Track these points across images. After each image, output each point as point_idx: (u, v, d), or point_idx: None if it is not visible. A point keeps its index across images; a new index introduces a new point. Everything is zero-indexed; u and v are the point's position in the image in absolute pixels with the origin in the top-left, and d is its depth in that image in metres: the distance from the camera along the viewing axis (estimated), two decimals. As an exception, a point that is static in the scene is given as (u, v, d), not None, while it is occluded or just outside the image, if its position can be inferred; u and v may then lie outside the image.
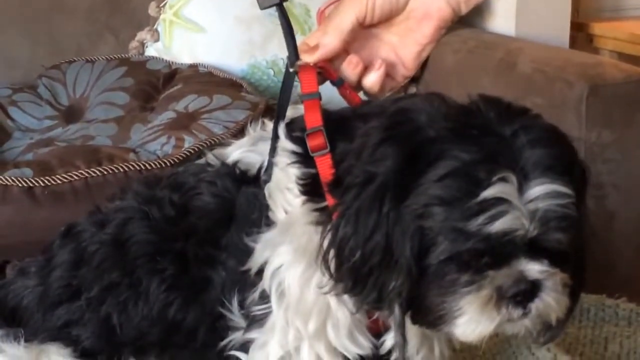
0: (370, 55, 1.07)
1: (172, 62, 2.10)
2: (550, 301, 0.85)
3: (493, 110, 0.85)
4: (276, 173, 0.94)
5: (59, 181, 1.59)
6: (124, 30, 2.18)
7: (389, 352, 0.93)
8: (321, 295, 0.89)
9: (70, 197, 1.58)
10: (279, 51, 2.03)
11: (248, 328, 0.93)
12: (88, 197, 1.55)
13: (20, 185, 1.57)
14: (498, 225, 0.80)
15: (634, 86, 1.53)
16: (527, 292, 0.84)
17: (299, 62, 1.01)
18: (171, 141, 1.71)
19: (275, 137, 0.96)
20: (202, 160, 1.01)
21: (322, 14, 1.14)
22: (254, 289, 0.92)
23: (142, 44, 2.17)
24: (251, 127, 1.02)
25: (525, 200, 0.81)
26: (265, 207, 0.93)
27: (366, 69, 1.05)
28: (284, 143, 0.95)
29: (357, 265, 0.84)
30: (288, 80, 1.01)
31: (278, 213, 0.92)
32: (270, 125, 0.99)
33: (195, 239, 0.95)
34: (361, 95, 1.06)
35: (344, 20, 1.06)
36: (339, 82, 1.04)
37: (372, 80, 1.05)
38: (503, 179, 0.81)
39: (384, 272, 0.84)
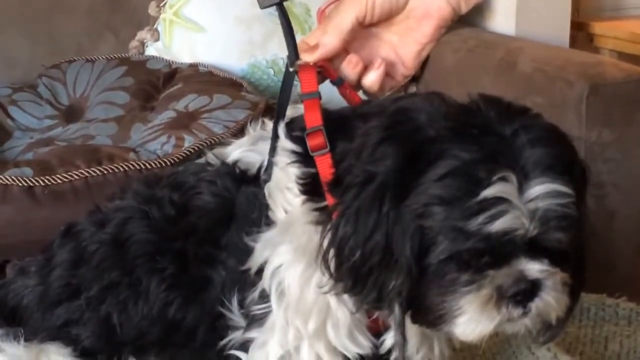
0: (370, 54, 1.07)
1: (172, 62, 2.10)
2: (550, 300, 0.85)
3: (493, 110, 0.85)
4: (276, 172, 0.94)
5: (59, 180, 1.59)
6: (124, 30, 2.18)
7: (389, 351, 0.93)
8: (321, 294, 0.89)
9: (70, 197, 1.58)
10: (279, 51, 2.03)
11: (248, 327, 0.93)
12: (88, 196, 1.55)
13: (20, 184, 1.57)
14: (498, 225, 0.80)
15: (634, 85, 1.53)
16: (527, 291, 0.84)
17: (298, 62, 1.01)
18: (171, 140, 1.71)
19: (275, 137, 0.96)
20: (202, 160, 1.01)
21: (323, 13, 1.14)
22: (253, 289, 0.92)
23: (142, 44, 2.17)
24: (251, 127, 1.02)
25: (526, 200, 0.81)
26: (265, 207, 0.93)
27: (366, 68, 1.05)
28: (284, 142, 0.95)
29: (357, 264, 0.84)
30: (288, 79, 1.01)
31: (278, 212, 0.92)
32: (270, 124, 0.99)
33: (195, 238, 0.95)
34: (361, 94, 1.06)
35: (344, 20, 1.06)
36: (339, 82, 1.04)
37: (371, 79, 1.05)
38: (503, 179, 0.81)
39: (384, 271, 0.84)
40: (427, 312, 0.86)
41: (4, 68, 2.13)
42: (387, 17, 1.07)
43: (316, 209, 0.90)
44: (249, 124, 1.03)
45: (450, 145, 0.82)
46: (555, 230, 0.83)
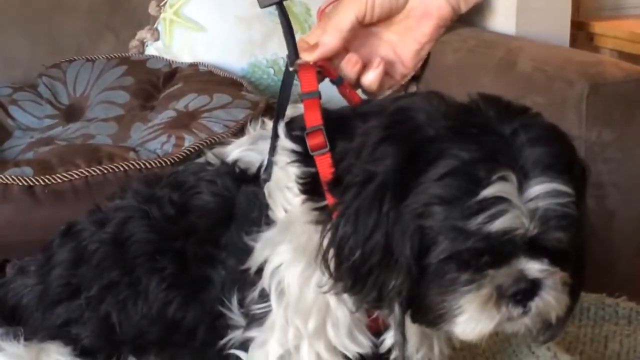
0: (369, 53, 1.07)
1: (173, 61, 2.10)
2: (550, 300, 0.85)
3: (493, 109, 0.85)
4: (276, 172, 0.94)
5: (59, 180, 1.59)
6: (124, 29, 2.18)
7: (389, 350, 0.93)
8: (321, 294, 0.89)
9: (70, 196, 1.58)
10: (279, 50, 2.03)
11: (248, 327, 0.93)
12: (88, 196, 1.55)
13: (20, 184, 1.57)
14: (498, 224, 0.80)
15: (634, 85, 1.53)
16: (527, 290, 0.84)
17: (298, 61, 1.01)
18: (171, 140, 1.71)
19: (275, 136, 0.96)
20: (201, 159, 1.01)
21: (323, 12, 1.14)
22: (253, 288, 0.92)
23: (143, 43, 2.17)
24: (251, 126, 1.02)
25: (525, 199, 0.81)
26: (265, 206, 0.93)
27: (365, 67, 1.06)
28: (284, 142, 0.95)
29: (356, 264, 0.84)
30: (288, 79, 1.01)
31: (278, 212, 0.92)
32: (270, 124, 0.99)
33: (195, 238, 0.95)
34: (360, 93, 1.07)
35: (344, 19, 1.06)
36: (339, 81, 1.04)
37: (370, 78, 1.05)
38: (503, 178, 0.81)
39: (383, 271, 0.84)
40: (427, 312, 0.86)
41: (4, 68, 2.13)
42: (387, 17, 1.07)
43: (316, 209, 0.90)
44: (249, 123, 1.03)
45: (450, 145, 0.82)
46: (555, 229, 0.83)
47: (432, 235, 0.82)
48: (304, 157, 0.92)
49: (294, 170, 0.92)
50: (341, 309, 0.90)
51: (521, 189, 0.81)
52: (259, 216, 0.93)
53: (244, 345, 0.93)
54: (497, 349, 1.19)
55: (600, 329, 1.29)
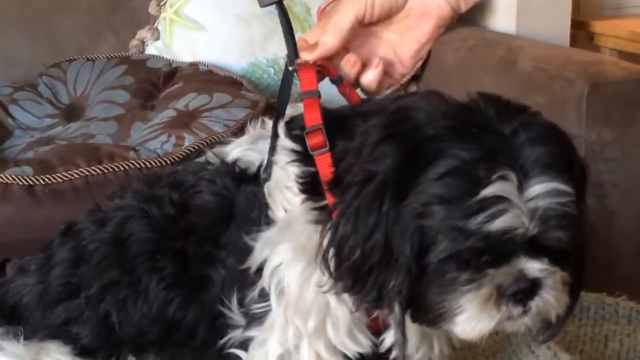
0: (369, 53, 1.08)
1: (173, 61, 2.10)
2: (550, 299, 0.85)
3: (492, 108, 0.85)
4: (276, 171, 0.94)
5: (59, 179, 1.59)
6: (124, 29, 2.18)
7: (389, 350, 0.93)
8: (320, 293, 0.89)
9: (70, 196, 1.58)
10: (279, 49, 2.03)
11: (247, 326, 0.93)
12: (88, 195, 1.55)
13: (20, 183, 1.57)
14: (498, 224, 0.80)
15: (635, 84, 1.53)
16: (527, 290, 0.84)
17: (298, 60, 1.01)
18: (171, 139, 1.71)
19: (274, 136, 0.96)
20: (201, 159, 1.01)
21: (323, 12, 1.14)
22: (253, 287, 0.92)
23: (143, 43, 2.17)
24: (251, 126, 1.02)
25: (525, 199, 0.81)
26: (265, 206, 0.93)
27: (364, 67, 1.06)
28: (284, 141, 0.95)
29: (356, 264, 0.84)
30: (287, 78, 1.01)
31: (277, 212, 0.92)
32: (270, 123, 0.99)
33: (194, 237, 0.95)
34: (360, 93, 1.07)
35: (344, 19, 1.06)
36: (338, 80, 1.05)
37: (369, 78, 1.06)
38: (503, 177, 0.81)
39: (383, 270, 0.84)
40: (427, 311, 0.86)
41: (5, 67, 2.13)
42: (387, 16, 1.08)
43: (316, 208, 0.90)
44: (248, 122, 1.03)
45: (450, 144, 0.82)
46: (555, 229, 0.83)
47: (432, 234, 0.82)
48: (304, 157, 0.92)
49: (294, 169, 0.92)
50: (341, 309, 0.90)
51: (521, 188, 0.81)
52: (259, 216, 0.93)
53: (244, 345, 0.93)
54: (497, 348, 1.19)
55: (600, 328, 1.29)
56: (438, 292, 0.84)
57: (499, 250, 0.83)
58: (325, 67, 1.04)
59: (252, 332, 0.93)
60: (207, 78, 1.98)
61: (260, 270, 0.91)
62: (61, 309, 0.99)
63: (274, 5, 1.04)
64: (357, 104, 1.01)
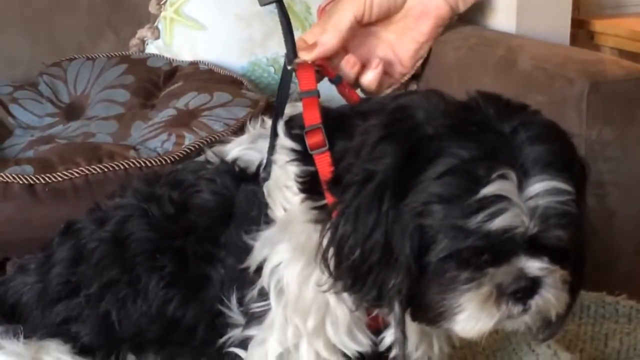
0: (368, 53, 1.08)
1: (173, 60, 2.10)
2: (550, 298, 0.85)
3: (492, 107, 0.85)
4: (275, 171, 0.94)
5: (59, 178, 1.59)
6: (125, 28, 2.18)
7: (388, 348, 0.93)
8: (320, 292, 0.89)
9: (70, 194, 1.58)
10: (280, 49, 2.01)
11: (247, 325, 0.93)
12: (88, 194, 1.55)
13: (21, 182, 1.57)
14: (498, 223, 0.80)
15: (635, 83, 1.53)
16: (527, 289, 0.84)
17: (297, 60, 1.01)
18: (171, 138, 1.70)
19: (274, 135, 0.96)
20: (201, 158, 1.01)
21: (323, 11, 1.14)
22: (252, 287, 0.92)
23: (143, 42, 2.17)
24: (251, 125, 1.02)
25: (525, 198, 0.81)
26: (264, 205, 0.93)
27: (364, 67, 1.06)
28: (283, 141, 0.95)
29: (356, 263, 0.84)
30: (286, 77, 1.01)
31: (277, 211, 0.92)
32: (269, 122, 0.99)
33: (194, 236, 0.95)
34: (359, 93, 1.07)
35: (343, 19, 1.06)
36: (337, 80, 1.05)
37: (369, 78, 1.06)
38: (502, 176, 0.81)
39: (383, 270, 0.84)
40: (427, 310, 0.86)
41: (5, 67, 2.13)
42: (386, 16, 1.08)
43: (315, 208, 0.90)
44: (248, 121, 1.03)
45: (449, 143, 0.82)
46: (555, 227, 0.83)
47: (431, 233, 0.82)
48: (303, 156, 0.92)
49: (293, 169, 0.92)
50: (340, 308, 0.90)
51: (521, 187, 0.81)
52: (258, 215, 0.93)
53: (244, 344, 0.93)
54: (497, 347, 1.19)
55: (600, 327, 1.29)
56: (438, 291, 0.84)
57: (499, 249, 0.83)
58: (324, 67, 1.04)
59: (251, 331, 0.93)
60: (207, 77, 1.98)
61: (259, 269, 0.92)
62: (61, 307, 0.99)
63: (274, 5, 1.04)
64: (356, 103, 1.01)
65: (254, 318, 0.92)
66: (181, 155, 1.63)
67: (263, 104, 1.82)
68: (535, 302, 0.85)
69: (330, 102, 0.99)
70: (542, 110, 0.88)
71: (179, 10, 2.13)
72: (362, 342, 0.92)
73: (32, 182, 1.58)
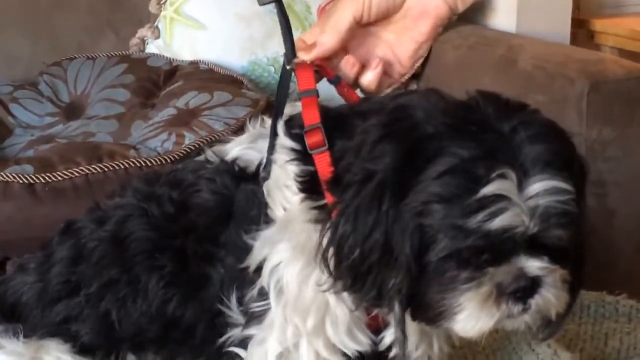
0: (367, 53, 1.08)
1: (173, 59, 2.10)
2: (550, 297, 0.85)
3: (491, 106, 0.85)
4: (275, 170, 0.94)
5: (59, 178, 1.59)
6: (125, 28, 2.18)
7: (388, 348, 0.93)
8: (320, 292, 0.89)
9: (70, 194, 1.58)
10: (280, 48, 2.00)
11: (247, 324, 0.93)
12: (89, 193, 1.55)
13: (21, 181, 1.57)
14: (498, 222, 0.80)
15: (635, 83, 1.53)
16: (527, 288, 0.84)
17: (295, 60, 1.01)
18: (172, 138, 1.70)
19: (273, 134, 0.96)
20: (201, 157, 1.01)
21: (323, 10, 1.14)
22: (252, 286, 0.92)
23: (143, 41, 2.17)
24: (250, 124, 1.03)
25: (525, 197, 0.81)
26: (264, 205, 0.93)
27: (363, 67, 1.06)
28: (283, 140, 0.95)
29: (356, 263, 0.84)
30: (285, 77, 1.01)
31: (277, 210, 0.92)
32: (269, 122, 0.99)
33: (194, 236, 0.95)
34: (359, 93, 1.07)
35: (342, 19, 1.06)
36: (336, 80, 1.05)
37: (369, 79, 1.06)
38: (502, 176, 0.81)
39: (383, 269, 0.84)
40: (427, 309, 0.86)
41: (5, 66, 2.13)
42: (385, 16, 1.08)
43: (315, 207, 0.90)
44: (248, 121, 1.03)
45: (449, 142, 0.82)
46: (556, 227, 0.83)
47: (431, 233, 0.82)
48: (303, 156, 0.92)
49: (293, 168, 0.92)
50: (340, 307, 0.90)
51: (521, 186, 0.81)
52: (258, 214, 0.93)
53: (243, 343, 0.93)
54: (497, 346, 1.19)
55: (600, 327, 1.29)
56: (438, 291, 0.84)
57: (499, 248, 0.83)
58: (323, 68, 1.04)
59: (251, 331, 0.93)
60: (207, 76, 1.98)
61: (259, 269, 0.92)
62: (61, 307, 0.99)
63: (274, 4, 1.04)
64: (356, 103, 1.01)
65: (253, 317, 0.92)
66: (181, 155, 1.63)
67: (263, 103, 1.82)
68: (535, 302, 0.85)
69: (329, 101, 0.99)
70: (542, 109, 0.88)
71: (179, 9, 2.13)
72: (362, 342, 0.92)
73: (32, 181, 1.58)
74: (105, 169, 1.60)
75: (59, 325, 0.99)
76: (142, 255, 0.96)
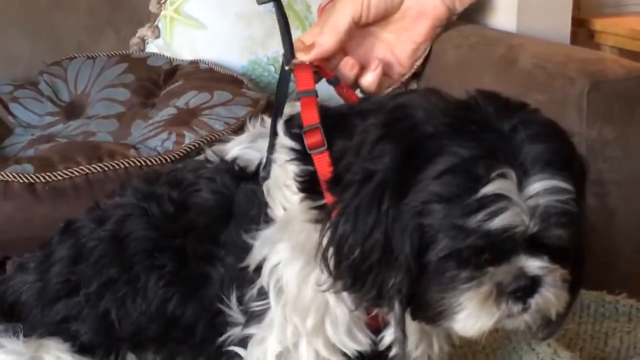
0: (366, 53, 1.08)
1: (173, 59, 2.10)
2: (549, 297, 0.85)
3: (491, 105, 0.85)
4: (275, 170, 0.94)
5: (59, 177, 1.59)
6: (125, 27, 2.18)
7: (388, 347, 0.93)
8: (319, 292, 0.89)
9: (71, 193, 1.58)
10: (280, 47, 1.98)
11: (247, 324, 0.93)
12: (89, 193, 1.55)
13: (21, 181, 1.57)
14: (498, 222, 0.80)
15: (635, 82, 1.52)
16: (527, 287, 0.84)
17: (294, 61, 1.01)
18: (172, 137, 1.70)
19: (273, 134, 0.96)
20: (201, 157, 1.01)
21: (323, 10, 1.14)
22: (252, 285, 0.92)
23: (143, 41, 2.17)
24: (250, 124, 1.03)
25: (525, 197, 0.81)
26: (264, 204, 0.93)
27: (363, 68, 1.06)
28: (283, 140, 0.95)
29: (356, 262, 0.84)
30: (284, 76, 1.01)
31: (276, 210, 0.92)
32: (269, 121, 0.99)
33: (194, 235, 0.95)
34: (358, 93, 1.07)
35: (340, 20, 1.06)
36: (335, 81, 1.05)
37: (369, 80, 1.06)
38: (502, 175, 0.81)
39: (383, 269, 0.84)
40: (427, 309, 0.86)
41: (5, 66, 2.13)
42: (383, 17, 1.08)
43: (314, 207, 0.90)
44: (248, 120, 1.03)
45: (449, 142, 0.82)
46: (556, 226, 0.83)
47: (431, 233, 0.82)
48: (303, 155, 0.92)
49: (293, 168, 0.92)
50: (340, 307, 0.90)
51: (521, 186, 0.81)
52: (258, 214, 0.93)
53: (243, 342, 0.93)
54: (497, 346, 1.19)
55: (600, 326, 1.29)
56: (438, 290, 0.84)
57: (499, 248, 0.82)
58: (322, 68, 1.04)
59: (251, 330, 0.93)
60: (207, 76, 1.98)
61: (259, 268, 0.92)
62: (60, 306, 0.99)
63: (273, 3, 1.04)
64: (356, 103, 1.01)
65: (253, 317, 0.92)
66: (181, 154, 1.63)
67: (263, 102, 1.82)
68: (535, 301, 0.85)
69: (329, 102, 0.99)
70: (542, 109, 0.88)
71: (179, 9, 2.13)
72: (362, 342, 0.92)
73: (32, 181, 1.58)
74: (106, 169, 1.60)
75: (59, 324, 0.99)
76: (142, 255, 0.96)
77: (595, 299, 1.34)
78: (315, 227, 0.88)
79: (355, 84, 1.07)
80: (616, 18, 2.52)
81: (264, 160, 0.96)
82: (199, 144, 1.64)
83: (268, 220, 0.92)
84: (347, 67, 1.05)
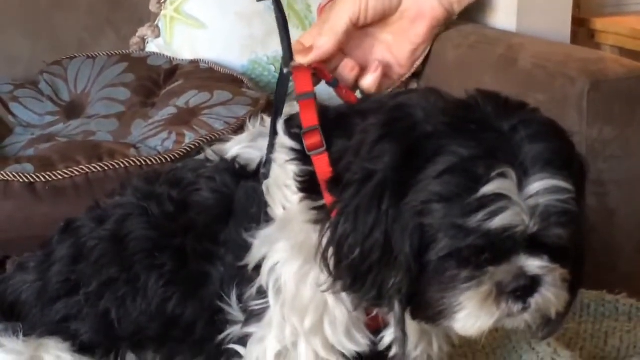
0: (365, 54, 1.08)
1: (173, 58, 2.10)
2: (549, 296, 0.85)
3: (491, 105, 0.85)
4: (275, 170, 0.94)
5: (59, 177, 1.59)
6: (125, 26, 2.18)
7: (388, 347, 0.93)
8: (318, 292, 0.89)
9: (71, 193, 1.58)
10: (280, 47, 2.02)
11: (246, 322, 0.93)
12: (89, 192, 1.55)
13: (21, 180, 1.57)
14: (498, 222, 0.80)
15: (636, 82, 1.52)
16: (527, 287, 0.84)
17: (293, 63, 1.01)
18: (172, 137, 1.70)
19: (273, 134, 0.96)
20: (201, 156, 1.01)
21: (323, 10, 1.14)
22: (252, 284, 0.92)
23: (143, 40, 2.17)
24: (251, 123, 1.03)
25: (525, 196, 0.81)
26: (264, 203, 0.93)
27: (362, 70, 1.06)
28: (283, 139, 0.95)
29: (356, 262, 0.84)
30: (283, 77, 1.01)
31: (276, 209, 0.92)
32: (269, 121, 0.99)
33: (193, 234, 0.95)
34: (358, 95, 1.07)
35: (339, 22, 1.06)
36: (334, 83, 1.05)
37: (369, 82, 1.06)
38: (502, 175, 0.81)
39: (383, 269, 0.84)
40: (427, 308, 0.86)
41: (5, 65, 2.13)
42: (381, 18, 1.08)
43: (314, 208, 0.90)
44: (248, 120, 1.03)
45: (449, 141, 0.82)
46: (556, 226, 0.83)
47: (431, 232, 0.82)
48: (303, 156, 0.92)
49: (293, 168, 0.92)
50: (339, 308, 0.90)
51: (521, 185, 0.81)
52: (258, 212, 0.93)
53: (243, 341, 0.93)
54: (497, 345, 1.19)
55: (600, 325, 1.29)
56: (438, 290, 0.84)
57: (499, 247, 0.82)
58: (321, 70, 1.04)
59: (250, 328, 0.93)
60: (207, 75, 1.98)
61: (258, 267, 0.92)
62: (60, 305, 0.99)
63: (272, 1, 1.04)
64: (356, 102, 1.01)
65: (253, 315, 0.92)
66: (181, 154, 1.63)
67: (263, 102, 1.82)
68: (535, 301, 0.85)
69: (329, 101, 0.99)
70: (542, 108, 0.88)
71: (179, 8, 2.13)
72: (360, 343, 0.92)
73: (32, 180, 1.58)
74: (106, 168, 1.60)
75: (59, 323, 0.99)
76: (142, 254, 0.96)
77: (595, 299, 1.34)
78: (314, 227, 0.88)
79: (355, 86, 1.07)
80: (616, 17, 2.52)
81: (264, 159, 0.95)
82: (199, 143, 1.64)
83: (268, 219, 0.92)
84: (347, 69, 1.05)
